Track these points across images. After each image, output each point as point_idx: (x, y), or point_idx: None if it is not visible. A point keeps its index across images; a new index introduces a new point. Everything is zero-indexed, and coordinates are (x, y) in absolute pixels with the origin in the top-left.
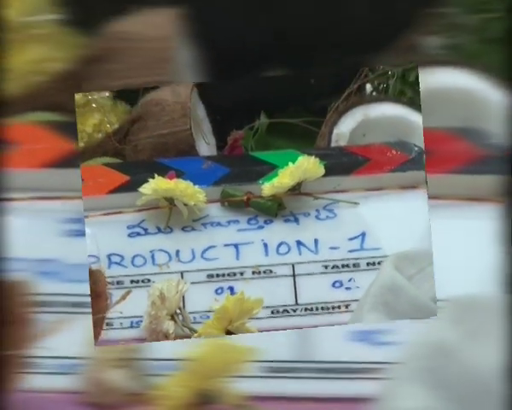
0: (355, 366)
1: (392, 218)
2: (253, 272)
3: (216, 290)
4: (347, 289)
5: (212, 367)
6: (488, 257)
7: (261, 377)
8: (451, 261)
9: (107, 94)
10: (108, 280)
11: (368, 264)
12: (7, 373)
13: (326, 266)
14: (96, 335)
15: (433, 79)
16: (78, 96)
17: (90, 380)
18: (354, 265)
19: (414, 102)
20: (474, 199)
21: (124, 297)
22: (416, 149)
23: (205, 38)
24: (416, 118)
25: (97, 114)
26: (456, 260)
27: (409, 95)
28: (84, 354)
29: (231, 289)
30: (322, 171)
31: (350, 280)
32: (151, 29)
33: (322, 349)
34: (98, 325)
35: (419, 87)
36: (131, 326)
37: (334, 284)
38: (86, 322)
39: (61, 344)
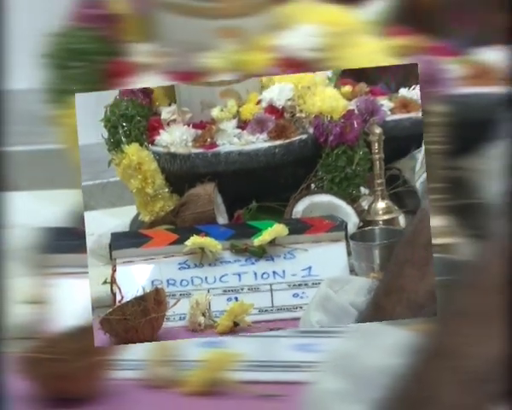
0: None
1: (325, 258)
2: (248, 289)
3: (227, 299)
4: (301, 298)
5: (218, 365)
6: None
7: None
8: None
9: (166, 190)
10: (167, 294)
11: (312, 284)
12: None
13: (289, 285)
14: (159, 326)
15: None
16: (148, 189)
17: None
18: (305, 284)
19: (339, 193)
20: None
21: (175, 303)
22: (339, 219)
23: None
24: (339, 203)
25: (161, 201)
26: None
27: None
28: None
29: (236, 298)
30: (286, 232)
31: (303, 293)
32: (203, 191)
33: (278, 352)
34: (160, 320)
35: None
36: (180, 319)
37: (293, 295)
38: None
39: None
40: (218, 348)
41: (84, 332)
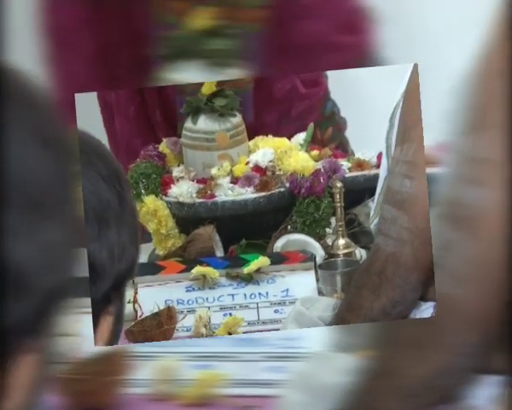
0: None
1: (299, 283)
2: (240, 307)
3: (223, 314)
4: (280, 313)
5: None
6: None
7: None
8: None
9: (176, 230)
10: (176, 310)
11: (289, 302)
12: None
13: (271, 303)
14: (170, 336)
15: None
16: (162, 230)
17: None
18: (283, 303)
19: (309, 233)
20: None
21: (183, 318)
22: (310, 253)
23: None
24: (309, 240)
25: (173, 239)
26: None
27: (306, 229)
28: None
29: (230, 314)
30: (268, 262)
31: (282, 309)
32: (204, 231)
33: (255, 373)
34: (171, 331)
35: None
36: (186, 331)
37: (274, 311)
38: None
39: None
40: (208, 369)
41: (104, 357)
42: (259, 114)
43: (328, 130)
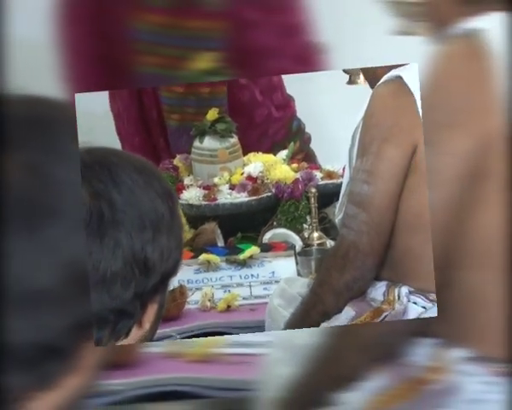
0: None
1: (282, 266)
2: (236, 285)
3: (223, 291)
4: (268, 290)
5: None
6: None
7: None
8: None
9: (187, 226)
10: (187, 288)
11: (275, 281)
12: None
13: (261, 282)
14: (182, 308)
15: None
16: None
17: None
18: (270, 282)
19: (290, 228)
20: None
21: (192, 294)
22: (291, 243)
23: None
24: (290, 233)
25: (184, 233)
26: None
27: (288, 225)
28: None
29: (229, 290)
30: (259, 251)
31: (269, 287)
32: (209, 227)
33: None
34: (183, 304)
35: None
36: (195, 304)
37: (263, 289)
38: None
39: None
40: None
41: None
42: (243, 136)
43: (297, 143)
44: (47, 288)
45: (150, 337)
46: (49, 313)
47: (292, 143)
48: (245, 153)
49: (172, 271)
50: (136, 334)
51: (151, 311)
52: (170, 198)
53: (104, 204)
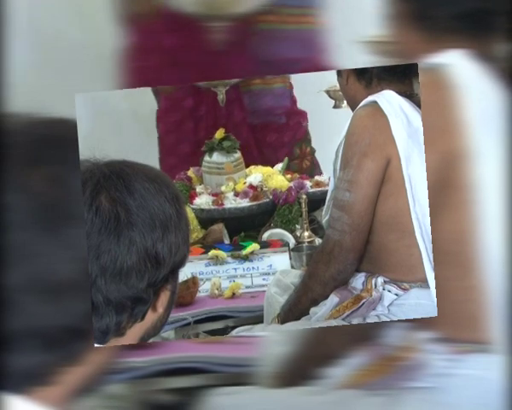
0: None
1: (278, 260)
2: (240, 276)
3: (229, 281)
4: (267, 280)
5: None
6: None
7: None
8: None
9: (198, 227)
10: (198, 279)
11: (272, 273)
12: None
13: (260, 274)
14: (195, 295)
15: None
16: (189, 227)
17: None
18: (268, 273)
19: (285, 228)
20: None
21: (203, 283)
22: (285, 241)
23: None
24: (285, 233)
25: (196, 232)
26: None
27: (283, 226)
28: None
29: (234, 280)
30: (258, 247)
31: (267, 278)
32: (217, 227)
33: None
34: (195, 292)
35: None
36: (205, 292)
37: (263, 279)
38: None
39: None
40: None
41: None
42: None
43: (308, 147)
44: (69, 278)
45: (165, 319)
46: (73, 300)
47: (286, 158)
48: (247, 165)
49: (180, 263)
50: (151, 317)
51: (164, 297)
52: (177, 202)
53: (120, 209)
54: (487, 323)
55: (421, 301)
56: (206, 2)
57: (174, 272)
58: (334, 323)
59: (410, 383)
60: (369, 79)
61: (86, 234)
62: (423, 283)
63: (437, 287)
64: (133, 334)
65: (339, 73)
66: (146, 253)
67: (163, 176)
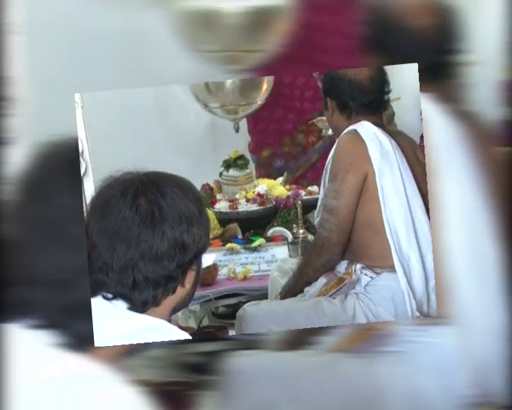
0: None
1: (279, 251)
2: (250, 263)
3: (242, 267)
4: (270, 267)
5: None
6: None
7: None
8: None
9: (218, 225)
10: (218, 265)
11: (275, 261)
12: None
13: (266, 261)
14: (215, 277)
15: None
16: (211, 225)
17: None
18: (272, 261)
19: (285, 226)
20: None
21: (221, 269)
22: (285, 236)
23: None
24: (285, 230)
25: (216, 230)
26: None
27: (283, 225)
28: None
29: (245, 266)
30: (264, 241)
31: (271, 264)
32: (232, 226)
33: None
34: (215, 275)
35: None
36: (223, 275)
37: (268, 265)
38: None
39: None
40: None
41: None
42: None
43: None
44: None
45: (192, 294)
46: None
47: (286, 172)
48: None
49: (203, 250)
50: (180, 291)
51: (190, 276)
52: (200, 203)
53: (155, 208)
54: (446, 299)
55: (390, 283)
56: None
57: (197, 256)
58: (322, 300)
59: (384, 348)
60: (349, 112)
61: (128, 228)
62: (392, 268)
63: None
64: (167, 305)
65: (325, 107)
66: (175, 241)
67: (188, 183)
